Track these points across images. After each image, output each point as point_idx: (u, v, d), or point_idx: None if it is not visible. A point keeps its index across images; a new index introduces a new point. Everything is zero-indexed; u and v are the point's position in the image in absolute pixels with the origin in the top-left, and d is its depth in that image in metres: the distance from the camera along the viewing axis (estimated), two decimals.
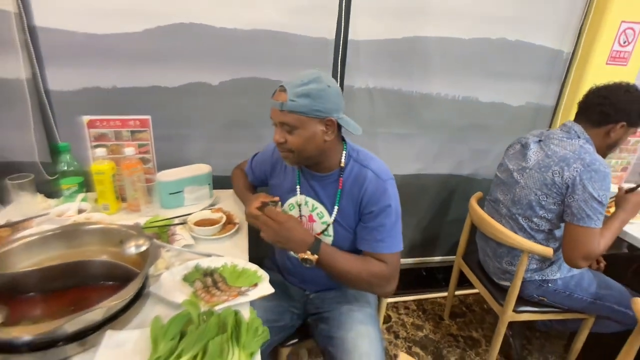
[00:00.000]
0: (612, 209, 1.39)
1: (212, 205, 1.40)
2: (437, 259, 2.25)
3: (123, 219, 1.26)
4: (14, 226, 1.11)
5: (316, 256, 0.95)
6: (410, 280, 2.21)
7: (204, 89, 1.51)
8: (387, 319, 1.97)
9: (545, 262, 1.41)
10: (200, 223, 1.21)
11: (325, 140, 0.98)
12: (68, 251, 0.93)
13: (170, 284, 0.92)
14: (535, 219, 1.35)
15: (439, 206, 2.10)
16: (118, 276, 0.86)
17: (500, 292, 1.51)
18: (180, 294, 0.87)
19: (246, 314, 0.84)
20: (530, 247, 1.32)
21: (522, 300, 1.45)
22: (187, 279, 0.94)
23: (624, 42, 1.80)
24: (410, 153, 1.91)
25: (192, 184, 1.37)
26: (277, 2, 1.46)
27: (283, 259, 1.22)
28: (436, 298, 2.16)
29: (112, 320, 0.76)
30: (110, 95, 1.44)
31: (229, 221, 1.25)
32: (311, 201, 1.09)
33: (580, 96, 1.40)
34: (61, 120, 1.43)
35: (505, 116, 1.93)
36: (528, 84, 1.90)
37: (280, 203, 1.12)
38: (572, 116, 1.42)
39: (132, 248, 0.90)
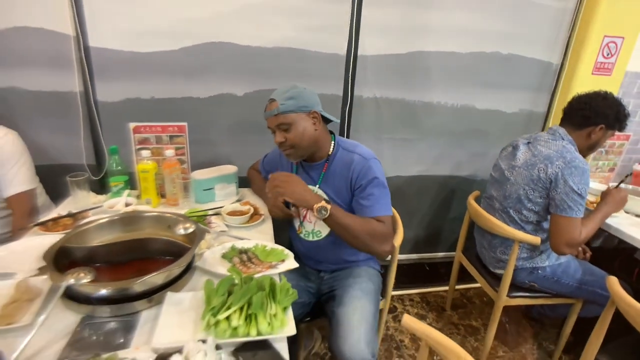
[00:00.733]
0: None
1: (238, 200, 1.59)
2: (440, 254, 2.40)
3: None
4: (75, 216, 1.31)
5: (330, 205, 1.13)
6: (414, 274, 2.32)
7: (230, 99, 1.72)
8: (393, 309, 2.12)
9: (535, 251, 1.57)
10: (231, 213, 1.39)
11: (316, 129, 1.22)
12: (128, 233, 1.13)
13: (212, 260, 1.10)
14: (524, 212, 1.52)
15: (440, 205, 2.26)
16: (173, 252, 1.04)
17: (496, 280, 1.67)
18: (222, 267, 1.05)
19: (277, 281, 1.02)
20: (521, 237, 1.48)
21: (515, 286, 1.61)
22: (226, 256, 1.12)
23: (607, 55, 1.98)
24: (413, 156, 2.09)
25: (221, 182, 1.56)
26: (295, 22, 1.66)
27: (298, 245, 1.40)
28: (439, 291, 2.29)
29: (170, 284, 0.95)
30: (149, 104, 1.65)
31: (256, 212, 1.44)
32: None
33: None
34: (106, 128, 1.64)
35: (500, 122, 2.09)
36: (521, 92, 2.06)
37: None
38: None
39: (182, 230, 1.09)
